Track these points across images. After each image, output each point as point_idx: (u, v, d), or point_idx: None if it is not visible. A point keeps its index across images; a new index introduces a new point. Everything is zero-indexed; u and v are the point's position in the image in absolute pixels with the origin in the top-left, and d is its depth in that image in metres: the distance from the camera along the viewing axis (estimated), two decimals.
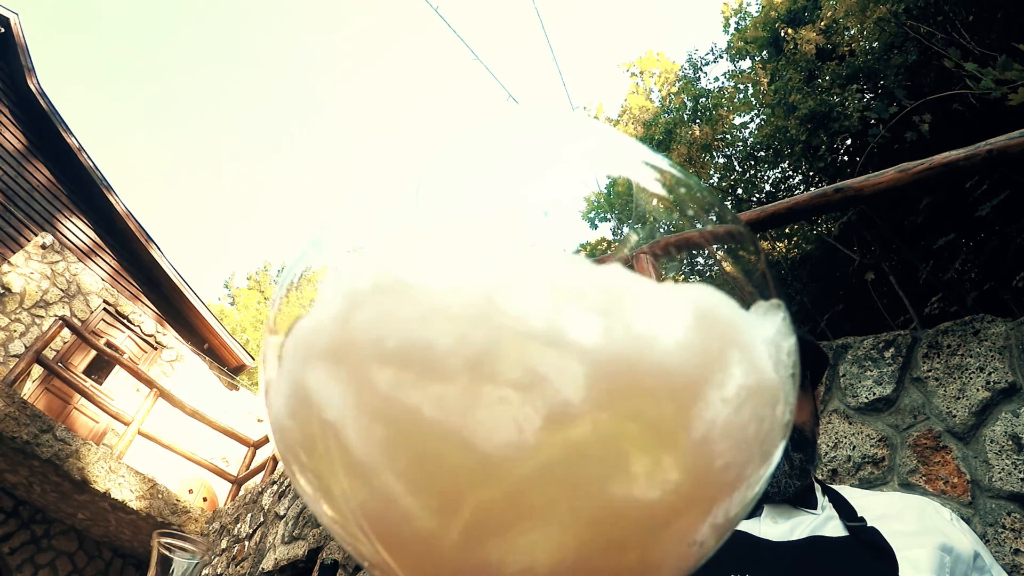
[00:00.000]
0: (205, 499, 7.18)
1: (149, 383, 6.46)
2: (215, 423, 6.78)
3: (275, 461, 5.91)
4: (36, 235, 8.09)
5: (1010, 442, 1.43)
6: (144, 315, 8.71)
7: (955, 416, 1.55)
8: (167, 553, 0.76)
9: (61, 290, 7.81)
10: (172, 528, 5.53)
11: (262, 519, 4.29)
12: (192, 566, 0.78)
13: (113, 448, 6.09)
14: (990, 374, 1.53)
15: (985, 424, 1.50)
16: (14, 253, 7.91)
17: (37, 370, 6.97)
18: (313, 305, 0.20)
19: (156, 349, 8.70)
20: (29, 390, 7.16)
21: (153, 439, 6.24)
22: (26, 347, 6.91)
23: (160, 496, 5.76)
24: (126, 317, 8.39)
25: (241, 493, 5.79)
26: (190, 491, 7.09)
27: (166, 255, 9.71)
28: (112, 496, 5.44)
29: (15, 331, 7.30)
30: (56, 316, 6.33)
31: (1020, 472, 1.38)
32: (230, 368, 10.81)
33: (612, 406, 0.17)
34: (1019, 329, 1.54)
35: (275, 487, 4.35)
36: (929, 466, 1.54)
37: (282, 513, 3.93)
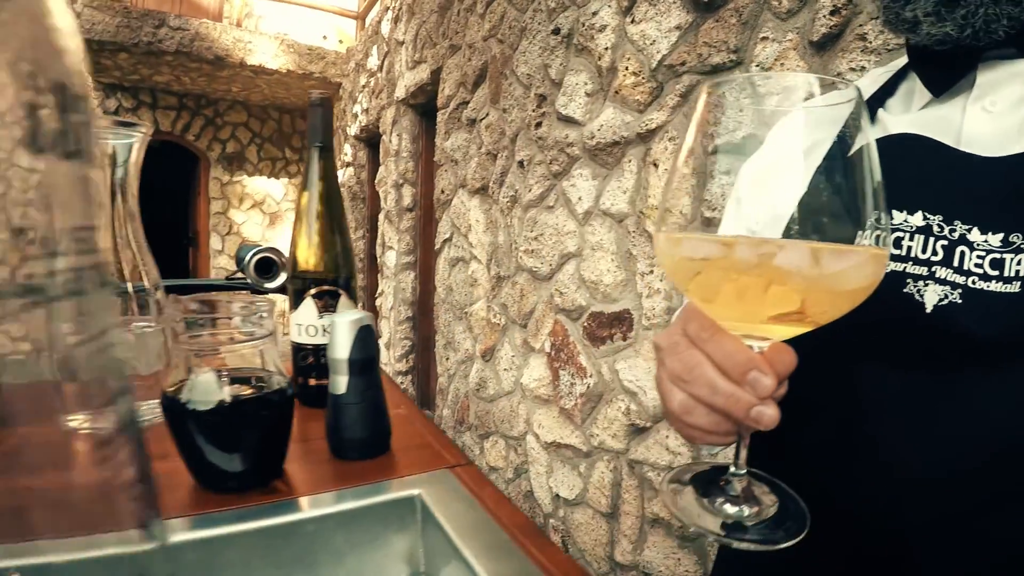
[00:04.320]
0: (341, 41, 7.12)
1: None
2: None
3: None
4: None
5: None
6: None
7: None
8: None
9: None
10: (314, 76, 5.98)
11: (386, 48, 4.28)
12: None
13: (231, 18, 6.18)
14: None
15: None
16: None
17: None
18: None
19: None
20: None
21: None
22: None
23: (293, 50, 5.99)
24: None
25: (366, 28, 5.72)
26: (324, 37, 7.05)
27: None
28: (249, 63, 5.80)
29: None
30: None
31: None
32: None
33: None
34: None
35: (389, 13, 4.13)
36: None
37: (401, 39, 3.86)
